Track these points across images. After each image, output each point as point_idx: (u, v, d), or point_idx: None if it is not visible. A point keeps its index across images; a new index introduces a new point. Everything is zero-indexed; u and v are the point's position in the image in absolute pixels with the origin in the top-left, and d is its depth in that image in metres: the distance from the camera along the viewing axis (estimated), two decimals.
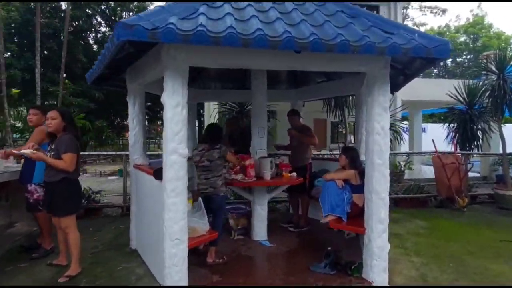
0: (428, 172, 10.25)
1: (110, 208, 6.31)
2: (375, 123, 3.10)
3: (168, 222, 2.77)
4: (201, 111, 14.70)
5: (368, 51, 2.58)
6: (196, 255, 3.66)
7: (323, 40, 2.51)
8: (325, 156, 7.59)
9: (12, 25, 15.90)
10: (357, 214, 3.60)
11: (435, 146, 6.66)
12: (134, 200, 4.17)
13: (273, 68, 3.63)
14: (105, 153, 13.17)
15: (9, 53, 16.02)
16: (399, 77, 4.21)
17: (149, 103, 20.41)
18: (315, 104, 7.54)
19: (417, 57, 3.02)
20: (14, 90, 17.59)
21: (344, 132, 7.95)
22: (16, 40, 16.78)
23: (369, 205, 3.19)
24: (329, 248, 4.01)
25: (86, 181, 10.92)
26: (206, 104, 10.05)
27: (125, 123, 24.62)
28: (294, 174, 4.40)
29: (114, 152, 8.34)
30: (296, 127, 4.92)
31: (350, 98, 6.77)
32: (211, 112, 7.98)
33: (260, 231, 4.37)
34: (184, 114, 2.78)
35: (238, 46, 2.41)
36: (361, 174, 3.53)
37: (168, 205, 2.76)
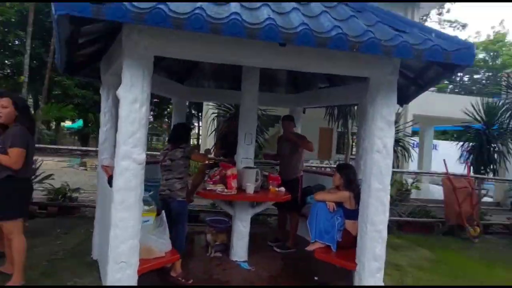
0: (437, 192, 9.59)
1: (90, 208, 5.88)
2: (376, 139, 2.58)
3: (114, 241, 2.29)
4: (199, 113, 14.29)
5: (371, 50, 2.07)
6: (161, 272, 3.18)
7: (315, 32, 2.00)
8: (326, 169, 7.04)
9: (24, 13, 15.81)
10: (350, 244, 3.06)
11: (446, 167, 6.06)
12: (98, 204, 3.71)
13: (255, 65, 3.12)
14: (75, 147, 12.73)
15: (17, 41, 15.98)
16: (410, 87, 3.66)
17: (156, 100, 20.20)
18: (322, 112, 7.03)
19: (433, 62, 2.48)
20: (21, 77, 17.62)
21: (349, 143, 7.36)
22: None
23: (362, 237, 2.65)
24: (315, 278, 3.51)
25: (79, 175, 10.64)
26: (204, 105, 9.59)
27: None
28: (282, 189, 3.88)
29: (93, 148, 7.55)
30: (285, 135, 4.42)
31: (355, 107, 6.23)
32: (208, 114, 7.52)
33: (239, 250, 3.86)
34: (143, 112, 2.30)
35: (205, 32, 1.93)
36: (358, 197, 3.00)
37: (115, 220, 2.28)
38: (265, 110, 6.58)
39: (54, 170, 6.74)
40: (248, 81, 3.86)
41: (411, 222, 6.08)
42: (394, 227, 5.83)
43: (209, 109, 7.36)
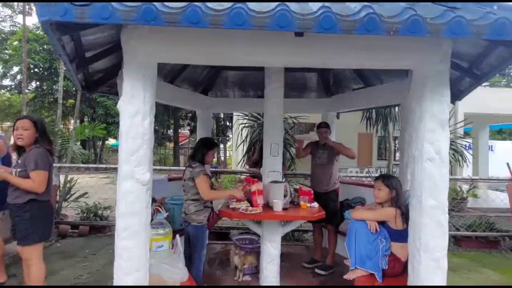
0: (498, 199, 8.42)
1: None
2: (427, 143, 2.08)
3: (118, 272, 2.02)
4: (228, 123, 14.13)
5: (414, 31, 1.62)
6: None
7: (339, 15, 1.61)
8: (363, 180, 6.40)
9: None
10: (398, 272, 2.55)
11: (510, 171, 5.20)
12: None
13: (273, 64, 2.66)
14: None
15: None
16: (463, 80, 3.08)
17: (190, 113, 20.55)
18: (359, 116, 6.46)
19: (496, 42, 1.96)
20: (70, 100, 18.84)
21: (390, 149, 6.65)
22: None
23: (415, 267, 2.14)
24: None
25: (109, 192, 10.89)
26: (234, 116, 9.35)
27: (168, 133, 25.21)
28: (315, 204, 3.43)
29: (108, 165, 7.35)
30: (326, 143, 3.98)
31: (396, 108, 5.61)
32: (238, 124, 7.25)
33: (269, 275, 3.42)
34: (146, 126, 2.03)
35: (203, 26, 1.61)
36: (406, 214, 2.49)
37: (118, 250, 2.01)
38: (297, 117, 6.17)
39: (96, 187, 6.82)
40: (271, 85, 3.49)
41: (471, 237, 5.26)
42: (451, 243, 5.07)
43: (238, 119, 7.10)
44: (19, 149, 2.79)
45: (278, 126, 3.53)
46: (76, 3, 1.57)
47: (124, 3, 1.60)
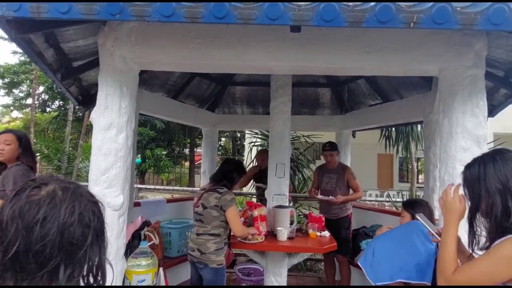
0: None
1: None
2: (458, 165, 1.68)
3: None
4: (240, 141, 13.87)
5: (440, 22, 1.28)
6: None
7: (344, 5, 1.29)
8: (384, 204, 5.86)
9: None
10: None
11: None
12: None
13: (267, 71, 2.23)
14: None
15: None
16: (496, 92, 2.68)
17: None
18: (378, 135, 6.03)
19: None
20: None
21: (413, 170, 6.11)
22: None
23: None
24: None
25: None
26: (246, 134, 9.07)
27: (185, 151, 25.28)
28: (326, 233, 3.01)
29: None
30: (332, 166, 3.60)
31: (419, 126, 5.14)
32: (248, 143, 6.96)
33: None
34: (120, 142, 1.75)
35: (178, 20, 1.33)
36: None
37: None
38: (309, 136, 5.80)
39: None
40: (277, 100, 3.18)
41: None
42: None
43: (247, 138, 6.82)
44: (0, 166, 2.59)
45: (284, 144, 3.19)
46: None
47: None
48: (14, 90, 19.16)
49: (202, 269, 2.40)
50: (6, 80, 18.23)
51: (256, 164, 4.46)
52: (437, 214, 2.66)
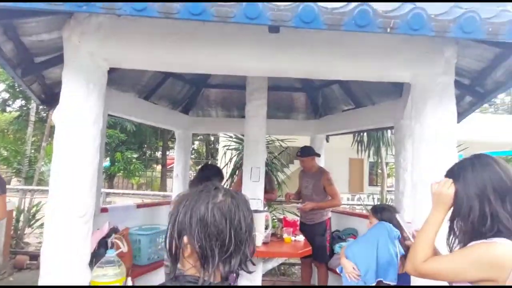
0: None
1: None
2: (430, 168, 1.72)
3: None
4: (214, 145, 13.74)
5: (416, 28, 1.30)
6: None
7: (323, 8, 1.28)
8: (355, 207, 5.98)
9: None
10: None
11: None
12: None
13: (244, 72, 2.18)
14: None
15: None
16: (462, 100, 2.80)
17: None
18: (351, 140, 6.15)
19: (510, 50, 1.66)
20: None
21: (383, 175, 6.30)
22: None
23: None
24: None
25: None
26: (220, 138, 8.96)
27: (157, 155, 24.62)
28: (301, 237, 3.00)
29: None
30: (310, 171, 3.60)
31: (389, 132, 5.32)
32: (222, 147, 6.86)
33: None
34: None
35: (150, 15, 1.26)
36: (405, 254, 2.09)
37: None
38: (284, 140, 5.82)
39: None
40: (252, 103, 3.15)
41: None
42: None
43: (222, 141, 6.73)
44: None
45: (260, 148, 3.16)
46: None
47: None
48: None
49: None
50: None
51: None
52: (407, 217, 2.73)
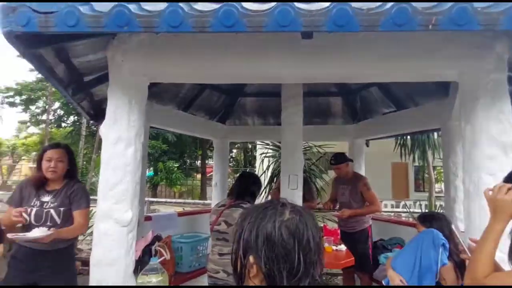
0: None
1: None
2: (485, 175, 1.58)
3: None
4: (252, 152, 13.78)
5: (460, 23, 1.21)
6: None
7: (357, 9, 1.24)
8: (401, 215, 5.65)
9: None
10: None
11: None
12: None
13: (282, 79, 2.21)
14: None
15: None
16: None
17: None
18: (393, 144, 5.87)
19: None
20: None
21: (431, 180, 5.91)
22: None
23: None
24: None
25: None
26: (258, 146, 8.99)
27: (196, 163, 25.37)
28: (343, 247, 2.90)
29: None
30: (345, 177, 3.48)
31: (436, 134, 4.99)
32: (259, 154, 6.89)
33: None
34: (129, 156, 1.72)
35: (185, 30, 1.30)
36: (460, 267, 1.92)
37: None
38: (322, 146, 5.71)
39: None
40: (288, 110, 3.12)
41: None
42: None
43: (259, 149, 6.76)
44: (37, 185, 2.23)
45: (297, 155, 3.11)
46: (40, 9, 1.34)
47: (94, 7, 1.34)
48: (31, 107, 19.73)
49: None
50: (24, 97, 18.80)
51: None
52: (460, 226, 2.52)
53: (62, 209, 2.16)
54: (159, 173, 21.67)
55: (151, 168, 22.82)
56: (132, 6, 1.30)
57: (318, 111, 4.55)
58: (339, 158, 3.52)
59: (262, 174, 5.69)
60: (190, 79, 2.01)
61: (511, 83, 2.20)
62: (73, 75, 2.30)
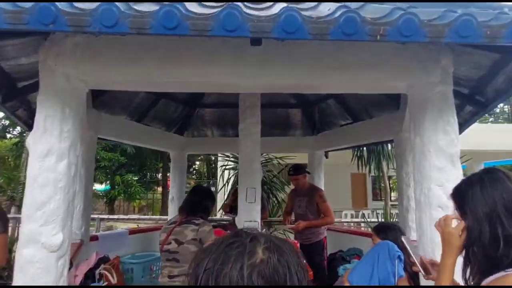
0: None
1: None
2: (434, 185, 1.59)
3: None
4: (215, 164, 13.60)
5: (407, 34, 1.21)
6: None
7: (307, 17, 1.20)
8: (360, 225, 5.77)
9: None
10: None
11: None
12: None
13: (229, 89, 1.96)
14: None
15: None
16: (462, 110, 2.70)
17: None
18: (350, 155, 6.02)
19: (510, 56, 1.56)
20: None
21: (386, 189, 6.15)
22: None
23: None
24: None
25: None
26: (219, 158, 8.83)
27: (157, 176, 24.42)
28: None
29: None
30: (302, 189, 3.47)
31: (389, 145, 5.20)
32: (220, 166, 6.72)
33: None
34: (60, 170, 1.52)
35: (122, 31, 1.18)
36: (414, 278, 1.93)
37: None
38: (282, 158, 5.70)
39: None
40: (245, 121, 3.05)
41: None
42: None
43: (219, 161, 6.61)
44: None
45: (255, 167, 3.03)
46: None
47: (16, 3, 1.17)
48: None
49: None
50: None
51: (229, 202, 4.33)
52: (413, 235, 2.57)
53: None
54: (116, 187, 20.56)
55: (108, 182, 21.61)
56: (61, 4, 1.15)
57: (277, 123, 4.54)
58: (298, 169, 3.51)
59: (223, 187, 5.54)
60: (131, 86, 1.85)
61: (457, 96, 2.32)
62: (3, 80, 2.05)
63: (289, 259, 0.57)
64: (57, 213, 1.49)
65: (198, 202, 2.28)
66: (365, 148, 5.46)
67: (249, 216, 2.91)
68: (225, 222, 4.30)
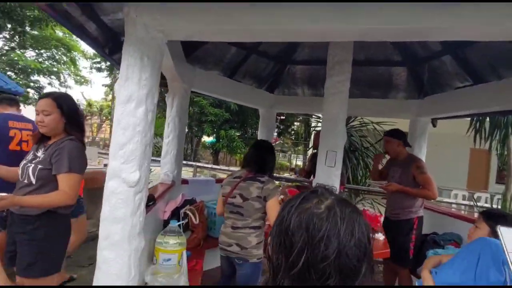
0: None
1: None
2: None
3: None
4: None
5: None
6: None
7: None
8: (473, 209, 4.89)
9: None
10: None
11: None
12: None
13: (322, 39, 1.77)
14: None
15: None
16: None
17: (281, 117, 20.51)
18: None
19: None
20: None
21: (510, 171, 4.95)
22: None
23: None
24: None
25: None
26: (313, 117, 8.53)
27: (257, 133, 25.72)
28: (381, 236, 2.58)
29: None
30: (397, 158, 3.05)
31: None
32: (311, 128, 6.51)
33: None
34: (139, 116, 1.66)
35: None
36: None
37: (98, 261, 1.68)
38: (380, 123, 5.16)
39: None
40: (332, 79, 2.78)
41: None
42: None
43: (312, 123, 6.39)
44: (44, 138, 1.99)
45: (339, 129, 2.79)
46: None
47: None
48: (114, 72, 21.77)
49: (241, 265, 2.16)
50: (108, 63, 20.75)
51: (313, 148, 4.15)
52: None
53: (39, 167, 1.84)
54: (221, 140, 22.57)
55: (214, 135, 23.87)
56: None
57: (377, 83, 4.04)
58: (393, 132, 3.12)
59: (310, 148, 5.41)
60: (207, 36, 1.82)
61: None
62: (107, 35, 2.30)
63: (343, 220, 0.64)
64: (135, 154, 1.65)
65: (263, 157, 2.27)
66: (487, 118, 4.44)
67: (328, 180, 2.75)
68: (299, 184, 4.21)
